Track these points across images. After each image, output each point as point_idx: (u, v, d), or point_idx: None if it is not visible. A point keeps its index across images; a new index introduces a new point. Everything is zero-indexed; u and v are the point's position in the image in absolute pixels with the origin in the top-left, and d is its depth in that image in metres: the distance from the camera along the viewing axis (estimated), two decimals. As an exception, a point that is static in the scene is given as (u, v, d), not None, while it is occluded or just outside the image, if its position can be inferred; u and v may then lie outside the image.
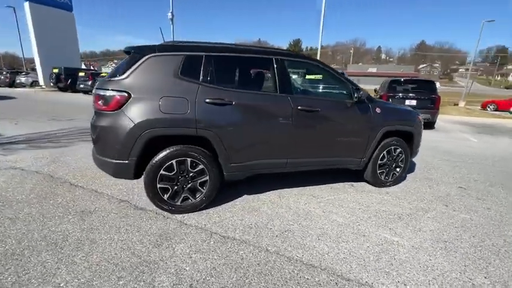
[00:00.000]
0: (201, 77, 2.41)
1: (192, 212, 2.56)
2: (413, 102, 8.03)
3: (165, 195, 2.45)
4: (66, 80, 16.92)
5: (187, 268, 1.82)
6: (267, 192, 3.11)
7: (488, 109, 19.65)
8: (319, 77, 4.40)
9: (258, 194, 3.05)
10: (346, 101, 2.98)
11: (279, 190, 3.19)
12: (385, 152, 3.28)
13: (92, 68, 46.46)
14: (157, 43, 2.59)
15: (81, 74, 16.66)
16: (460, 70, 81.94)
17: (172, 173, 2.41)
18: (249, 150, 2.61)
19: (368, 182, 3.50)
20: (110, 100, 2.23)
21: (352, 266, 1.92)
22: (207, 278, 1.74)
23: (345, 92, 3.06)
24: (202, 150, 2.45)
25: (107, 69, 56.72)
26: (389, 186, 3.47)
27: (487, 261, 2.05)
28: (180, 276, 1.74)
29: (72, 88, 17.02)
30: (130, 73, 2.26)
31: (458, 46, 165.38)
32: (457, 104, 20.04)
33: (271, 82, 2.70)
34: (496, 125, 11.32)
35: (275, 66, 2.68)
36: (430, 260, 2.03)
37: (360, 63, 75.79)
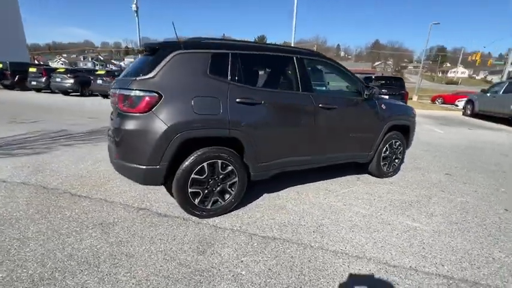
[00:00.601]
0: (229, 76, 2.33)
1: (222, 214, 2.49)
2: (386, 98, 8.68)
3: (196, 200, 2.34)
4: (13, 77, 14.84)
5: (243, 273, 1.79)
6: (284, 190, 3.15)
7: (437, 102, 22.07)
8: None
9: (276, 192, 3.07)
10: (357, 98, 3.14)
11: (294, 187, 3.25)
12: (387, 145, 3.53)
13: (36, 62, 41.41)
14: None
15: (33, 69, 14.74)
16: (409, 67, 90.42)
17: (203, 176, 2.31)
18: (276, 149, 2.61)
19: (371, 174, 3.74)
20: (139, 101, 2.05)
21: (392, 253, 2.06)
22: (268, 280, 1.73)
23: (355, 89, 3.21)
24: (231, 151, 2.39)
25: (55, 64, 50.86)
26: (390, 176, 3.75)
27: (495, 237, 2.35)
28: (240, 282, 1.70)
29: (22, 86, 15.00)
30: (159, 71, 2.10)
31: (407, 45, 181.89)
32: (411, 98, 22.17)
33: (293, 80, 2.72)
34: (449, 117, 12.80)
35: (296, 64, 2.70)
36: (452, 241, 2.27)
37: (323, 60, 78.90)
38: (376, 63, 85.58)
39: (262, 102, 2.43)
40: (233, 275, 1.75)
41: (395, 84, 8.94)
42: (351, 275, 1.80)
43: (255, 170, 2.55)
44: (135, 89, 2.06)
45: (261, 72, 2.82)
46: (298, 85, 2.70)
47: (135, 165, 2.15)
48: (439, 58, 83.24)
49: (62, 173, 3.35)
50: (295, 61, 2.71)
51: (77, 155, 4.08)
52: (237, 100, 2.31)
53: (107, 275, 1.70)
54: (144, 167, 2.13)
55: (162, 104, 2.06)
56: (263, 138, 2.48)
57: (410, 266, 1.92)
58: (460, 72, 75.04)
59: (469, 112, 11.61)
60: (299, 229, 2.34)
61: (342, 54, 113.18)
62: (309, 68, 2.82)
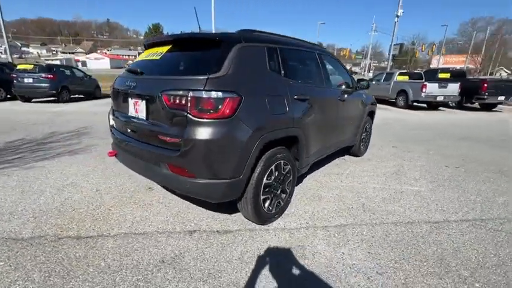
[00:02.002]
0: (281, 71, 2.23)
1: (280, 216, 2.42)
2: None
3: (265, 206, 2.18)
4: None
5: (355, 262, 1.87)
6: (302, 180, 3.29)
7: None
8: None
9: (299, 184, 3.18)
10: (353, 90, 3.56)
11: (305, 175, 3.42)
12: (364, 128, 4.20)
13: None
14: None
15: None
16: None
17: (272, 180, 2.17)
18: (315, 141, 2.70)
19: (351, 155, 4.36)
20: (221, 104, 1.70)
21: (422, 213, 2.59)
22: (377, 261, 1.88)
23: (350, 82, 3.62)
24: (287, 149, 2.34)
25: None
26: (363, 154, 4.49)
27: (461, 185, 3.30)
28: (363, 272, 1.79)
29: None
30: (229, 68, 1.79)
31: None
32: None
33: (319, 75, 2.84)
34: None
35: (319, 60, 2.83)
36: (449, 195, 3.02)
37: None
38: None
39: (309, 97, 2.45)
40: (350, 268, 1.82)
41: None
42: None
43: (301, 164, 2.57)
44: (215, 90, 1.69)
45: (301, 68, 2.78)
46: (323, 80, 2.85)
47: (217, 181, 1.80)
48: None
49: (26, 213, 2.34)
50: (317, 56, 2.83)
51: (21, 185, 2.88)
52: (295, 97, 2.25)
53: (240, 312, 1.44)
54: (229, 180, 1.82)
55: (243, 106, 1.78)
56: (311, 133, 2.53)
57: (439, 220, 2.49)
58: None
59: (403, 103, 14.80)
60: (357, 212, 2.57)
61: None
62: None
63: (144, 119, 2.03)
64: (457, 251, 2.04)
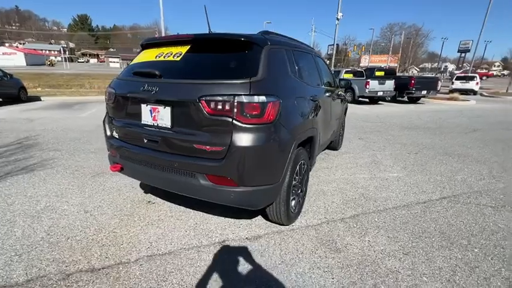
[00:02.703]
0: (296, 73, 2.27)
1: (299, 214, 2.48)
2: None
3: (292, 207, 2.21)
4: None
5: (387, 249, 2.06)
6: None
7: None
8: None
9: (300, 181, 3.30)
10: (335, 88, 3.82)
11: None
12: (342, 124, 4.56)
13: None
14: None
15: None
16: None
17: (297, 180, 2.21)
18: (321, 139, 2.83)
19: (330, 149, 4.69)
20: (265, 109, 1.64)
21: (411, 195, 2.99)
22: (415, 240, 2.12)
23: (334, 81, 3.86)
24: (304, 149, 2.41)
25: None
26: (340, 147, 4.87)
27: (437, 169, 3.88)
28: (393, 255, 1.99)
29: None
30: (264, 71, 1.74)
31: None
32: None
33: (317, 76, 2.96)
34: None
35: (315, 61, 2.96)
36: (422, 178, 3.52)
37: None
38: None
39: (318, 98, 2.56)
40: (381, 253, 2.00)
41: None
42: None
43: (312, 163, 2.68)
44: (259, 94, 1.63)
45: (307, 70, 2.81)
46: (321, 80, 2.99)
47: (261, 188, 1.74)
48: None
49: (4, 252, 1.87)
50: (313, 57, 2.96)
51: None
52: (310, 98, 2.32)
53: None
54: (271, 185, 1.78)
55: (281, 110, 1.76)
56: (319, 131, 2.65)
57: (423, 200, 2.91)
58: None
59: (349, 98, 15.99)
60: (357, 202, 2.80)
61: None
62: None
63: (169, 127, 1.83)
64: (449, 224, 2.43)
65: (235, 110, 1.62)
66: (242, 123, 1.64)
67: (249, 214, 2.45)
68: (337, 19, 17.38)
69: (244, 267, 1.82)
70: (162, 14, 13.44)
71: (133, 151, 2.03)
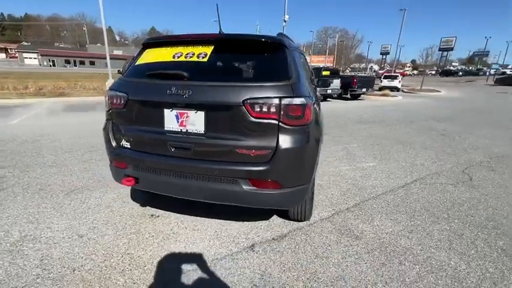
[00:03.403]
0: (308, 74, 2.36)
1: (310, 209, 2.60)
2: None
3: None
4: None
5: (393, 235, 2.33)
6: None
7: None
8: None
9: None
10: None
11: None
12: (316, 121, 4.87)
13: None
14: None
15: None
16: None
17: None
18: None
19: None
20: (305, 110, 1.67)
21: (391, 181, 3.42)
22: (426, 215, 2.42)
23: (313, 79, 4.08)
24: None
25: None
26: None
27: (400, 157, 4.46)
28: (406, 236, 2.26)
29: None
30: (294, 73, 1.77)
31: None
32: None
33: (310, 75, 3.10)
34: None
35: (305, 60, 3.10)
36: (392, 165, 4.03)
37: (99, 44, 67.99)
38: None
39: (318, 97, 2.70)
40: (393, 234, 2.26)
41: None
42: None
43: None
44: (299, 96, 1.65)
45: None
46: (313, 79, 3.15)
47: (300, 187, 1.77)
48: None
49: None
50: (303, 57, 3.09)
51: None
52: (318, 97, 2.45)
53: None
54: (307, 184, 1.82)
55: (313, 110, 1.82)
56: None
57: (401, 185, 3.37)
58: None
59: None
60: (353, 191, 3.07)
61: (118, 38, 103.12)
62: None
63: (202, 132, 1.72)
64: (429, 202, 2.88)
65: (281, 112, 1.62)
66: (287, 125, 1.66)
67: (263, 215, 2.46)
68: (284, 21, 18.24)
69: (284, 267, 1.84)
70: (101, 4, 11.92)
71: (154, 161, 1.83)
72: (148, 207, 2.58)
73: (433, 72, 65.62)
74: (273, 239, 2.16)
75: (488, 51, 61.39)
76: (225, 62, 1.89)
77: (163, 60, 1.89)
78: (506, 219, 2.55)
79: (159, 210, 2.54)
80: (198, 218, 2.42)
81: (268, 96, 1.62)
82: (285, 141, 1.67)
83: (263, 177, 1.71)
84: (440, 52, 30.74)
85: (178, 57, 1.84)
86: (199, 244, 2.06)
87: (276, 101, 1.61)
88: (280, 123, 1.64)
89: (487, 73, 40.80)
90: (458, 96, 17.73)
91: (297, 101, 1.66)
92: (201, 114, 1.69)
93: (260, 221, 2.39)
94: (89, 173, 3.40)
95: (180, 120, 1.73)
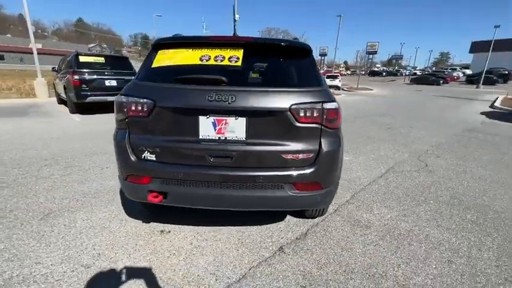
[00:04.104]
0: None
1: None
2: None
3: None
4: None
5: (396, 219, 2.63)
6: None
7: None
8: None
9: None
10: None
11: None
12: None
13: None
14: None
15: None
16: (123, 52, 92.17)
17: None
18: None
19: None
20: (338, 114, 1.76)
21: (370, 172, 3.82)
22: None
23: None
24: None
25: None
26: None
27: (368, 149, 4.96)
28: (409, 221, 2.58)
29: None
30: (321, 77, 1.83)
31: (115, 29, 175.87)
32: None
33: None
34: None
35: None
36: (364, 158, 4.49)
37: (9, 35, 56.46)
38: (91, 44, 77.12)
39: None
40: (393, 219, 2.56)
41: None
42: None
43: None
44: (334, 101, 1.71)
45: None
46: None
47: (334, 186, 1.85)
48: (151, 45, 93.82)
49: None
50: None
51: None
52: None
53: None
54: (338, 182, 1.91)
55: None
56: None
57: (380, 173, 3.81)
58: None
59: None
60: (344, 185, 3.33)
61: (33, 29, 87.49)
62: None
63: (243, 139, 1.66)
64: (406, 188, 3.32)
65: (324, 116, 1.69)
66: (328, 128, 1.73)
67: (276, 216, 2.49)
68: (235, 20, 18.22)
69: (319, 263, 1.92)
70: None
71: (188, 172, 1.68)
72: (153, 223, 2.35)
73: (363, 72, 74.54)
74: (296, 238, 2.22)
75: (402, 55, 72.42)
76: (260, 67, 1.85)
77: (191, 63, 1.74)
78: (465, 196, 3.14)
79: (167, 224, 2.34)
80: (214, 227, 2.31)
81: (313, 101, 1.67)
82: (326, 143, 1.75)
83: (308, 180, 1.75)
84: (367, 55, 35.05)
85: (207, 60, 1.72)
86: (228, 254, 1.99)
87: (320, 105, 1.68)
88: (322, 127, 1.71)
89: (404, 73, 48.32)
90: (387, 93, 20.52)
91: (333, 105, 1.74)
92: (242, 121, 1.63)
93: (277, 223, 2.42)
94: (58, 191, 2.88)
95: (217, 128, 1.64)
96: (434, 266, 1.95)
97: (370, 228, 2.40)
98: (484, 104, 14.29)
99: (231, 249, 2.04)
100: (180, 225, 2.33)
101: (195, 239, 2.16)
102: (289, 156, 1.69)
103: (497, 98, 16.46)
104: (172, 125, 1.68)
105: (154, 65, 1.80)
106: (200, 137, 1.67)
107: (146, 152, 1.71)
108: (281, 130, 1.68)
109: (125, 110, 1.70)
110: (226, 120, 1.63)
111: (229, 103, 1.58)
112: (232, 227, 2.32)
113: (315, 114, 1.67)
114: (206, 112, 1.62)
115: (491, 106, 14.48)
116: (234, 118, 1.63)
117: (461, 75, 39.92)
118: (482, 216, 2.69)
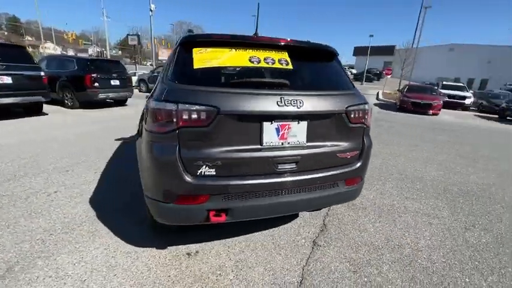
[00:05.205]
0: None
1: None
2: (117, 82, 8.44)
3: None
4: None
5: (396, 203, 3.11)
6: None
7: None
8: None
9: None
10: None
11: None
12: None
13: None
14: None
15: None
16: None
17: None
18: None
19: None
20: (370, 113, 1.95)
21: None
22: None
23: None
24: None
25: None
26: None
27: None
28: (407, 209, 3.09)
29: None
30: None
31: None
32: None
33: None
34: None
35: None
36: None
37: None
38: None
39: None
40: (401, 202, 3.04)
41: (120, 68, 8.72)
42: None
43: None
44: (367, 102, 1.88)
45: None
46: None
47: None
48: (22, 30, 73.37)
49: None
50: None
51: None
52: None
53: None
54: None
55: None
56: None
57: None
58: (52, 48, 72.98)
59: (144, 89, 14.42)
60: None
61: None
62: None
63: (304, 142, 1.65)
64: (390, 174, 3.97)
65: (366, 116, 1.85)
66: (366, 127, 1.91)
67: (290, 216, 2.56)
68: (151, 10, 16.49)
69: (354, 248, 2.12)
70: None
71: (254, 183, 1.54)
72: (170, 248, 2.02)
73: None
74: (321, 230, 2.36)
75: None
76: (308, 70, 1.83)
77: (241, 64, 1.57)
78: (405, 172, 4.01)
79: (189, 245, 2.06)
80: (239, 237, 2.19)
81: (360, 102, 1.81)
82: (367, 140, 1.94)
83: (355, 175, 1.90)
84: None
85: (258, 62, 1.59)
86: (276, 259, 1.95)
87: (364, 106, 1.84)
88: (364, 126, 1.89)
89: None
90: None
91: (369, 105, 1.94)
92: (303, 125, 1.61)
93: (294, 220, 2.49)
94: (3, 238, 2.06)
95: (280, 133, 1.56)
96: (424, 229, 2.48)
97: (367, 209, 2.79)
98: (371, 97, 17.99)
99: (273, 254, 2.00)
100: (202, 243, 2.09)
101: (230, 253, 2.00)
102: (343, 155, 1.80)
103: (378, 92, 21.05)
104: (234, 134, 1.49)
105: (197, 65, 1.53)
106: (264, 144, 1.56)
107: (204, 166, 1.46)
108: (336, 131, 1.77)
109: (174, 119, 1.39)
110: (289, 125, 1.58)
111: (298, 107, 1.54)
112: (257, 233, 2.26)
113: (361, 115, 1.83)
114: (272, 118, 1.53)
115: (377, 99, 18.39)
116: (297, 122, 1.60)
117: (349, 73, 48.71)
118: (423, 185, 3.53)
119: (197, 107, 1.40)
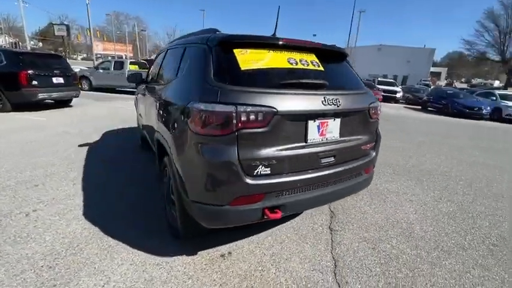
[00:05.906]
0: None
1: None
2: (61, 80, 7.33)
3: None
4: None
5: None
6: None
7: None
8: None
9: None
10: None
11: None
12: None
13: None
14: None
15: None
16: None
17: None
18: None
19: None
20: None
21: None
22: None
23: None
24: None
25: None
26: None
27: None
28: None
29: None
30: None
31: None
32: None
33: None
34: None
35: None
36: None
37: None
38: None
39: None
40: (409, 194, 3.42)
41: (61, 64, 7.53)
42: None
43: None
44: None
45: None
46: None
47: None
48: None
49: None
50: None
51: None
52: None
53: (406, 221, 2.56)
54: None
55: None
56: None
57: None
58: None
59: (87, 87, 12.72)
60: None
61: None
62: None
63: (338, 138, 1.79)
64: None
65: (379, 112, 2.08)
66: (378, 120, 2.15)
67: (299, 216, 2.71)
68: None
69: (365, 229, 2.39)
70: None
71: (303, 179, 1.62)
72: (201, 252, 1.97)
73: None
74: (331, 217, 2.57)
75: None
76: (335, 71, 1.93)
77: (283, 66, 1.62)
78: (398, 162, 4.56)
79: (218, 247, 2.03)
80: (261, 233, 2.25)
81: (375, 100, 2.04)
82: (378, 133, 2.20)
83: (372, 164, 2.13)
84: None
85: (294, 64, 1.66)
86: (305, 248, 2.07)
87: (378, 103, 2.08)
88: (378, 120, 2.13)
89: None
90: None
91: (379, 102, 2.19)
92: (337, 121, 1.75)
93: (304, 213, 2.65)
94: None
95: (320, 130, 1.67)
96: (409, 206, 2.92)
97: (360, 194, 3.12)
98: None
99: (301, 244, 2.13)
100: (230, 244, 2.09)
101: (262, 249, 2.05)
102: (364, 147, 2.01)
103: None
104: (285, 133, 1.54)
105: (244, 66, 1.51)
106: (308, 141, 1.65)
107: (261, 166, 1.46)
108: (360, 126, 1.96)
109: (234, 121, 1.37)
110: (327, 122, 1.70)
111: (337, 106, 1.67)
112: (277, 227, 2.35)
113: (376, 110, 2.07)
114: (316, 116, 1.62)
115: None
116: (333, 120, 1.73)
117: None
118: (392, 169, 4.10)
119: (257, 108, 1.41)
